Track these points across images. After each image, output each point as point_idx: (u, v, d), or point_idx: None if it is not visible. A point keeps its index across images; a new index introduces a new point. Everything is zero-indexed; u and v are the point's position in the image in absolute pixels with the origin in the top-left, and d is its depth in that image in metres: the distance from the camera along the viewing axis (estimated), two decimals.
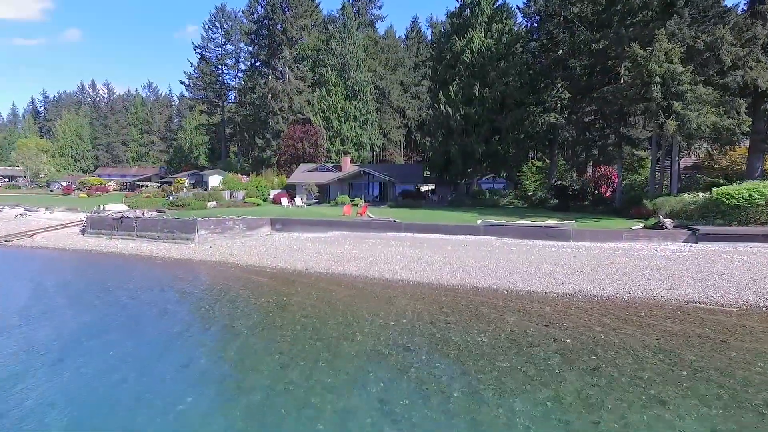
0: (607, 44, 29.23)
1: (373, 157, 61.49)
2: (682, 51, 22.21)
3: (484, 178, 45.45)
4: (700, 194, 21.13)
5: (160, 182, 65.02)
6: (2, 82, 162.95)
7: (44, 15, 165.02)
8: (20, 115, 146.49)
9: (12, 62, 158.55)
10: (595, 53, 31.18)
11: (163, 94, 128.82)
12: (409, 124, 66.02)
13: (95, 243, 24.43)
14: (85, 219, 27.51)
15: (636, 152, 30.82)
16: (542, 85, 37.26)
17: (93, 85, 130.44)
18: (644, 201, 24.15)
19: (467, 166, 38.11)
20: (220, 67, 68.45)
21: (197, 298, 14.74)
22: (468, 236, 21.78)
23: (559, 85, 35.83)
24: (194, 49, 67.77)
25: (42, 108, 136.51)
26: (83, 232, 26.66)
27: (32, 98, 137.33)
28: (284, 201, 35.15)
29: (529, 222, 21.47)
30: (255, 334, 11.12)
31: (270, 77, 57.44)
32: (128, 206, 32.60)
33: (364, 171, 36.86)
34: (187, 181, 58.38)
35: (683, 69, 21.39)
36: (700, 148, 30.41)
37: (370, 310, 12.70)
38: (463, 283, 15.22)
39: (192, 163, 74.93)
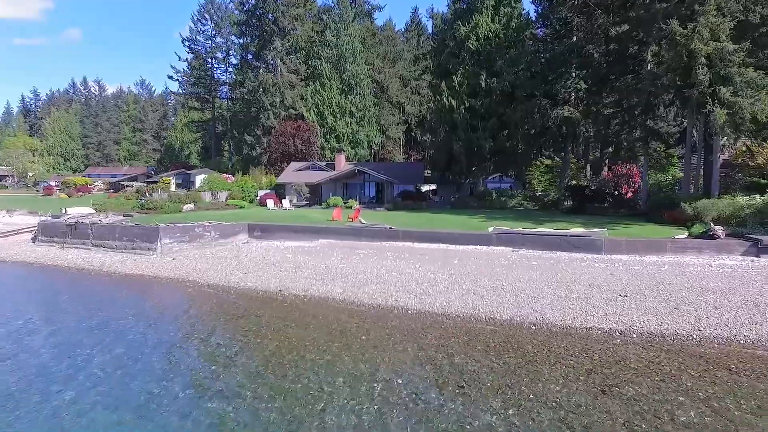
0: (630, 27, 25.80)
1: (370, 155, 58.08)
2: (732, 27, 18.76)
3: (489, 178, 42.01)
4: (758, 197, 17.68)
5: (147, 182, 61.74)
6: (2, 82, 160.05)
7: (44, 15, 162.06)
8: (14, 114, 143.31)
9: (11, 62, 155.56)
10: (615, 38, 27.75)
11: (159, 92, 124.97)
12: (409, 120, 62.59)
13: (43, 253, 21.01)
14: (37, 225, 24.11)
15: (661, 149, 27.34)
16: (555, 76, 33.83)
17: (85, 82, 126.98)
18: (682, 204, 20.71)
19: (472, 165, 34.71)
20: (210, 61, 65.03)
21: (95, 344, 10.49)
22: (478, 247, 18.36)
23: (574, 74, 32.41)
24: (182, 42, 64.37)
25: (33, 106, 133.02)
26: (34, 239, 23.27)
27: (22, 96, 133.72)
28: (270, 203, 31.77)
29: (551, 230, 18.02)
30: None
31: (261, 70, 54.06)
32: (95, 209, 29.19)
33: (359, 170, 33.48)
34: (173, 181, 55.05)
35: (735, 47, 17.93)
36: (735, 143, 26.95)
37: (349, 374, 8.83)
38: (477, 313, 11.77)
39: (182, 163, 71.51)
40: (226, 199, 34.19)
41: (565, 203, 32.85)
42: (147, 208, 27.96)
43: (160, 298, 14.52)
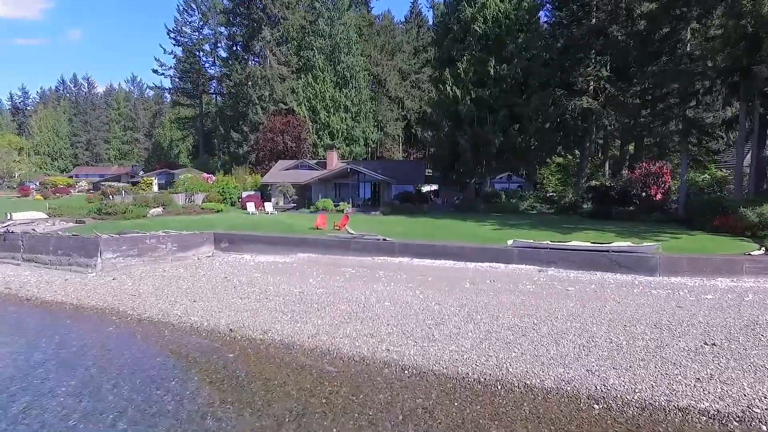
0: (666, 2, 22.03)
1: (367, 153, 54.26)
2: None
3: (497, 178, 38.20)
4: None
5: (131, 182, 58.05)
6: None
7: (44, 15, 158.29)
8: (1, 112, 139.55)
9: (10, 61, 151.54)
10: (645, 16, 23.96)
11: (151, 89, 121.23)
12: (409, 116, 58.74)
13: None
14: None
15: (704, 142, 23.53)
16: (572, 62, 30.05)
17: (75, 79, 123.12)
18: (741, 209, 16.93)
19: (479, 163, 30.91)
20: (197, 54, 61.19)
21: None
22: (494, 265, 14.58)
23: (595, 60, 28.63)
24: (168, 34, 60.49)
25: (21, 104, 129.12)
26: None
27: (11, 94, 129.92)
28: (250, 207, 27.99)
29: (586, 243, 14.20)
30: None
31: (250, 63, 50.28)
32: (48, 214, 25.42)
33: (351, 169, 29.70)
34: (155, 182, 51.38)
35: None
36: None
37: None
38: (506, 375, 7.98)
39: (167, 162, 67.73)
40: (203, 201, 30.45)
41: (584, 206, 29.12)
42: (105, 213, 24.16)
43: (60, 344, 10.58)
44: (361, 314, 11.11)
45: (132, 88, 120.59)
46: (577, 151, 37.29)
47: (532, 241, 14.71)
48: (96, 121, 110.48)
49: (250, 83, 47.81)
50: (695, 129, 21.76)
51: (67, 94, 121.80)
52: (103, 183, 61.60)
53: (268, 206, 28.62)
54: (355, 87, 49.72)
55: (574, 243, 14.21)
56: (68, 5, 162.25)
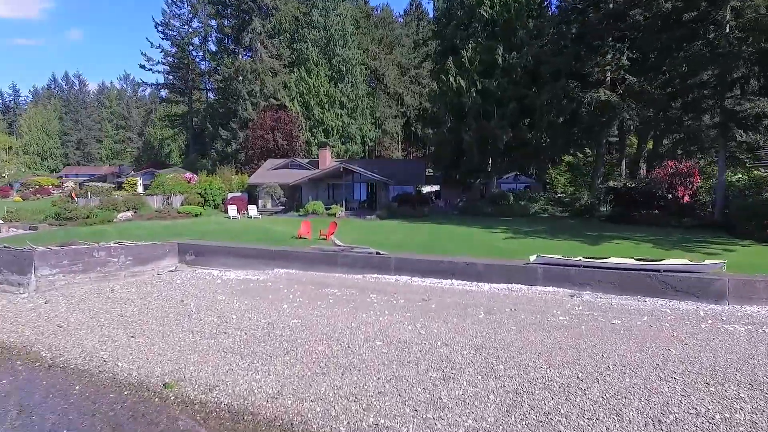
0: None
1: (364, 152, 51.48)
2: None
3: (503, 177, 35.41)
4: None
5: (116, 182, 55.28)
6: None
7: (44, 15, 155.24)
8: None
9: (10, 61, 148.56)
10: None
11: (136, 85, 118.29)
12: (408, 113, 55.91)
13: None
14: None
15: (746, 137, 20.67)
16: (588, 50, 27.27)
17: (66, 77, 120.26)
18: None
19: (485, 161, 28.10)
20: (186, 48, 58.26)
21: None
22: (514, 287, 11.76)
23: (614, 47, 25.84)
24: (156, 27, 57.59)
25: (11, 102, 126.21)
26: None
27: (1, 92, 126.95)
28: (232, 210, 25.17)
29: (630, 261, 11.35)
30: None
31: (240, 56, 47.48)
32: (3, 219, 22.60)
33: (345, 168, 26.91)
34: (140, 182, 48.60)
35: None
36: None
37: None
38: None
39: (153, 161, 64.94)
40: (182, 204, 27.66)
41: (601, 209, 26.38)
42: (65, 218, 21.34)
43: None
44: (343, 360, 8.31)
45: (125, 86, 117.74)
46: (587, 150, 34.56)
47: (559, 256, 11.89)
48: (87, 120, 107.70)
49: (240, 77, 44.99)
50: (734, 122, 18.97)
51: (59, 93, 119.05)
52: (87, 183, 58.88)
53: (252, 210, 25.81)
54: (352, 82, 46.98)
55: (614, 260, 11.39)
56: (65, 5, 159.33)
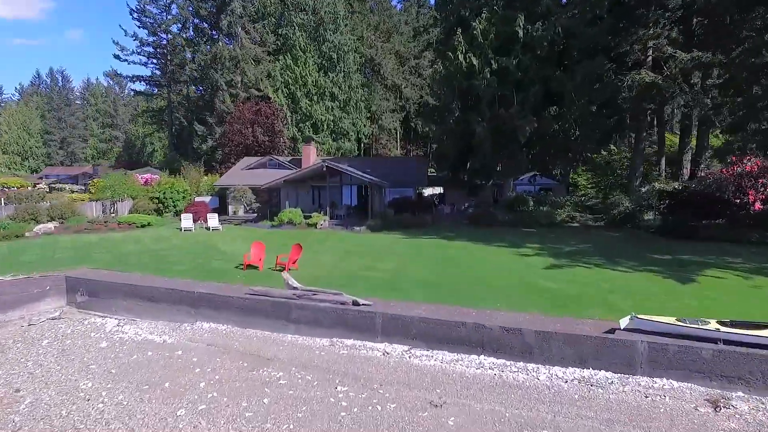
0: None
1: (359, 150, 46.32)
2: None
3: (518, 178, 30.21)
4: None
5: (85, 184, 50.22)
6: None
7: (45, 15, 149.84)
8: None
9: (10, 62, 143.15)
10: None
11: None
12: (408, 107, 50.71)
13: None
14: None
15: None
16: (628, 23, 22.15)
17: (51, 73, 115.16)
18: None
19: (501, 157, 22.98)
20: (163, 36, 53.10)
21: None
22: (593, 376, 6.53)
23: (666, 15, 20.74)
24: (131, 14, 52.41)
25: None
26: None
27: None
28: (186, 221, 19.99)
29: None
30: None
31: (220, 43, 42.30)
32: None
33: (328, 167, 21.76)
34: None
35: None
36: None
37: None
38: None
39: (144, 161, 59.86)
40: (129, 211, 22.58)
41: (645, 217, 21.23)
42: None
43: None
44: None
45: (111, 82, 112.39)
46: (636, 141, 29.29)
47: (669, 320, 6.72)
48: (71, 118, 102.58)
49: (217, 65, 39.83)
50: None
51: (45, 90, 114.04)
52: (53, 185, 53.73)
53: (213, 220, 20.64)
54: (344, 71, 41.82)
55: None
56: (70, 6, 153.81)
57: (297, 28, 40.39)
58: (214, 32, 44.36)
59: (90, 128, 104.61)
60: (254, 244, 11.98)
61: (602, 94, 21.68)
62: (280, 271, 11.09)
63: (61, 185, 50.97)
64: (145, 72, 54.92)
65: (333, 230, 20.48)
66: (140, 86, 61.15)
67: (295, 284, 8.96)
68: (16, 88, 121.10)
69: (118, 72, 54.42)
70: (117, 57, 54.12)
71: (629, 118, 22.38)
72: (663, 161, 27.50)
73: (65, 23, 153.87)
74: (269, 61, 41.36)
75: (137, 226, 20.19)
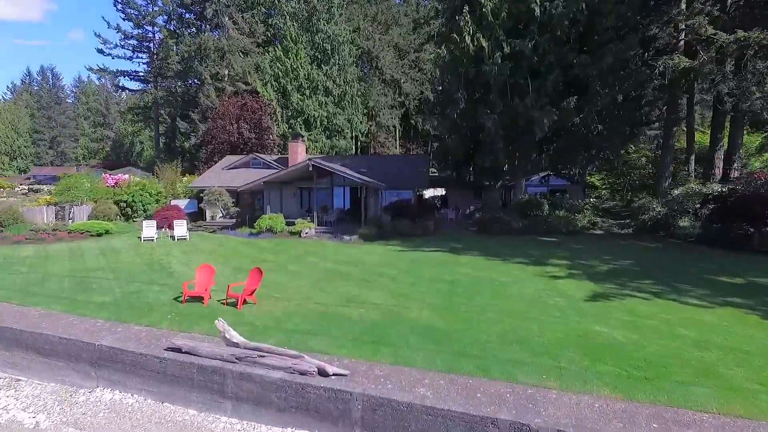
0: None
1: (355, 148, 43.39)
2: None
3: (528, 178, 27.26)
4: None
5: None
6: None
7: (47, 16, 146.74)
8: None
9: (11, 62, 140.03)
10: None
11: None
12: (407, 103, 47.78)
13: None
14: None
15: None
16: (660, 1, 19.33)
17: (42, 71, 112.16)
18: None
19: (513, 155, 20.07)
20: (148, 29, 50.19)
21: None
22: None
23: None
24: (114, 5, 49.52)
25: None
26: None
27: None
28: (148, 229, 17.07)
29: None
30: None
31: (206, 32, 39.40)
32: None
33: (315, 165, 18.87)
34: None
35: None
36: None
37: None
38: None
39: (113, 161, 56.96)
40: (88, 217, 19.71)
41: (680, 223, 18.33)
42: None
43: None
44: None
45: (103, 80, 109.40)
46: (665, 136, 26.36)
47: None
48: (61, 117, 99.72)
49: (202, 57, 36.94)
50: None
51: (35, 87, 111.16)
52: (32, 187, 50.75)
53: (180, 228, 17.71)
54: (339, 64, 38.90)
55: None
56: (70, 6, 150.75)
57: (288, 17, 37.48)
58: (201, 23, 41.48)
59: (81, 127, 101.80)
60: (200, 268, 9.02)
61: (632, 83, 18.76)
62: (234, 305, 8.16)
63: (39, 186, 48.07)
64: (130, 66, 51.75)
65: (319, 239, 17.58)
66: (125, 81, 57.97)
67: (236, 338, 6.03)
68: (8, 86, 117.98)
69: (102, 66, 51.21)
70: (100, 51, 51.05)
71: (667, 110, 19.42)
72: (692, 160, 24.59)
73: (67, 24, 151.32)
74: (258, 53, 38.46)
75: (91, 235, 17.28)
